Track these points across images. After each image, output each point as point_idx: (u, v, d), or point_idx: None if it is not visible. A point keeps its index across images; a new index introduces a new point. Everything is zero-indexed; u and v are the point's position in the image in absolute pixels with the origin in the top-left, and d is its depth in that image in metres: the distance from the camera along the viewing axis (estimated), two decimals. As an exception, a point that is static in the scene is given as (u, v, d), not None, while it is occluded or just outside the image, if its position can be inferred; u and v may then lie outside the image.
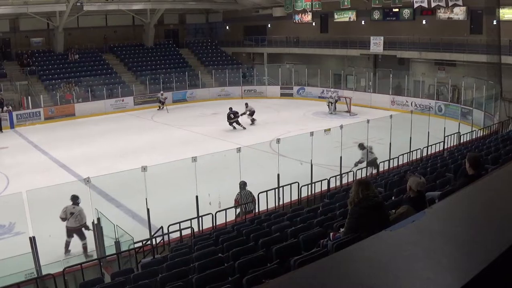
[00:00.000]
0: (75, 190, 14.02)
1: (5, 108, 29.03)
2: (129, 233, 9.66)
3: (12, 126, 28.60)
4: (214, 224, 10.23)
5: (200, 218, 10.55)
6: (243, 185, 11.92)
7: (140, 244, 9.20)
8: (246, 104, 26.90)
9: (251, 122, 26.09)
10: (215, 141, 22.03)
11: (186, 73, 36.68)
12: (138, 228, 11.47)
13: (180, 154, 15.93)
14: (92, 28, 38.29)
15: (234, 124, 25.05)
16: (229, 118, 25.02)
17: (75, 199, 11.29)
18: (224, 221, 10.34)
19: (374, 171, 14.64)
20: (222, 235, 8.41)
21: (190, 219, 9.98)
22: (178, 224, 9.68)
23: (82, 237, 11.29)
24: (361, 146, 15.47)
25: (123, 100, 32.77)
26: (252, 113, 26.31)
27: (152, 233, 10.23)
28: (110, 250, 9.28)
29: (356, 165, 14.71)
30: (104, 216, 9.90)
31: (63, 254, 10.92)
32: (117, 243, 9.08)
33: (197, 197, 11.13)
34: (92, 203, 10.26)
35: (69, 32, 36.44)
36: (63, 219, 11.21)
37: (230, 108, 25.41)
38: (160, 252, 9.02)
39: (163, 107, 31.81)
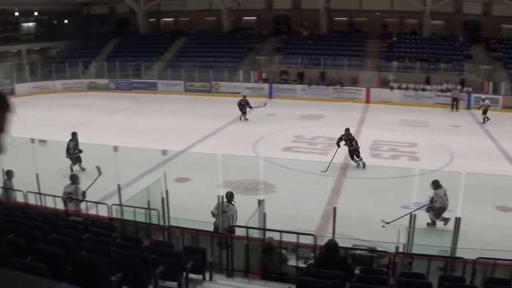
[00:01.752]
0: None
1: (465, 89, 30.00)
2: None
3: (468, 107, 29.36)
4: None
5: None
6: None
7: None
8: None
9: None
10: None
11: None
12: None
13: None
14: None
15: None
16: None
17: (231, 197, 10.38)
18: None
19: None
20: None
21: None
22: None
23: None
24: (436, 185, 11.47)
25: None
26: None
27: None
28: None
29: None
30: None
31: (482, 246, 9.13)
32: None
33: None
34: None
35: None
36: (214, 215, 10.22)
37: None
38: None
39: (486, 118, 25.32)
